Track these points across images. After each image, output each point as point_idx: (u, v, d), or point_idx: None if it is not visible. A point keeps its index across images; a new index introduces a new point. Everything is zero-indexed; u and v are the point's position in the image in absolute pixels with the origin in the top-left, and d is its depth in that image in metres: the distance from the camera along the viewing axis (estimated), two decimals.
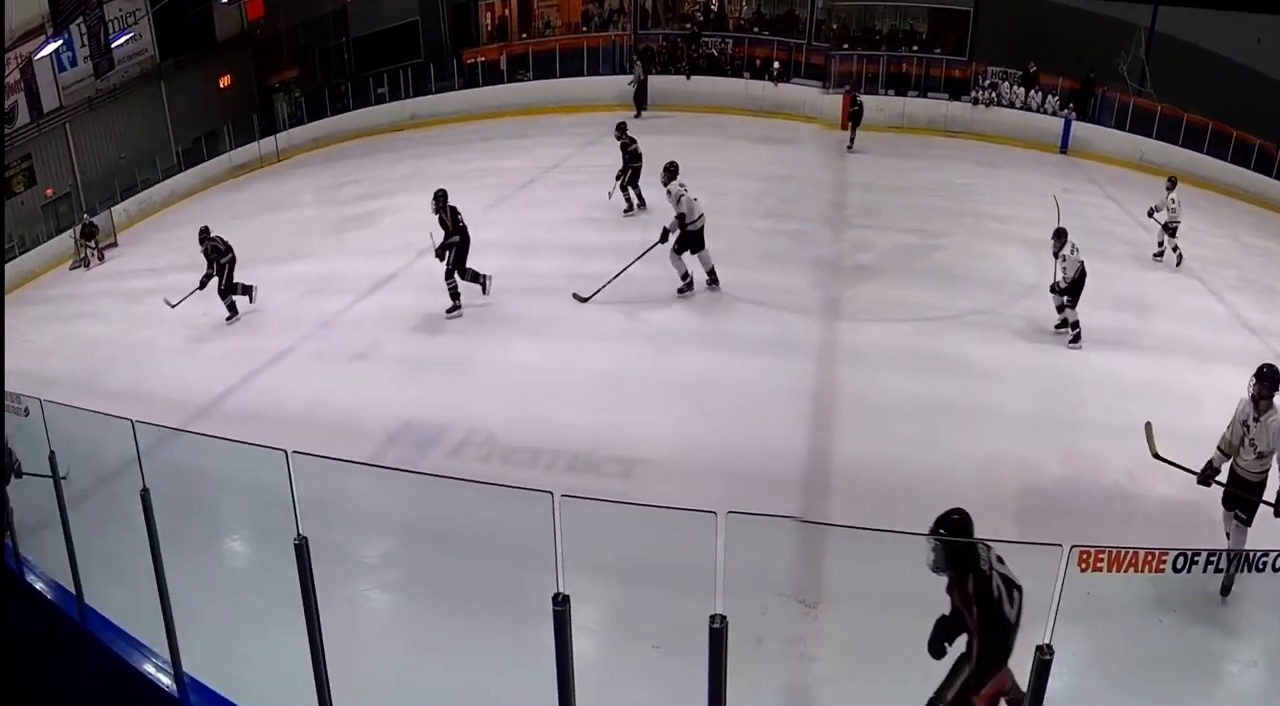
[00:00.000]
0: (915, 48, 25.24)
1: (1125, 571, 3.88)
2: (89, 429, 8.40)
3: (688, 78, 26.93)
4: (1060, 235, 11.86)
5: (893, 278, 13.87)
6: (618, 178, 17.29)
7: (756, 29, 27.82)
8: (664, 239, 13.24)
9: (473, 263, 13.88)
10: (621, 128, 18.01)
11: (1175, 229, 15.55)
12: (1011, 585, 4.71)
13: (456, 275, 13.70)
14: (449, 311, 13.75)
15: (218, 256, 15.53)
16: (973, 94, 24.68)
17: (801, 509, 8.33)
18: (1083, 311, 12.03)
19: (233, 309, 15.65)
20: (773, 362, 11.23)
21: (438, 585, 7.45)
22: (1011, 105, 24.59)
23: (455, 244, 13.59)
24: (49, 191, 28.77)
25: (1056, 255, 11.86)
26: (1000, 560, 4.79)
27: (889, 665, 5.86)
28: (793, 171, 19.93)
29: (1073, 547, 3.64)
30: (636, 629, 6.76)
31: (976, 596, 4.71)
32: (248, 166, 30.48)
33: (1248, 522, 7.42)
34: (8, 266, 25.58)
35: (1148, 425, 7.72)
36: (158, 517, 6.09)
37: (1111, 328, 12.48)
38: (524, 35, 31.58)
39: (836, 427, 9.85)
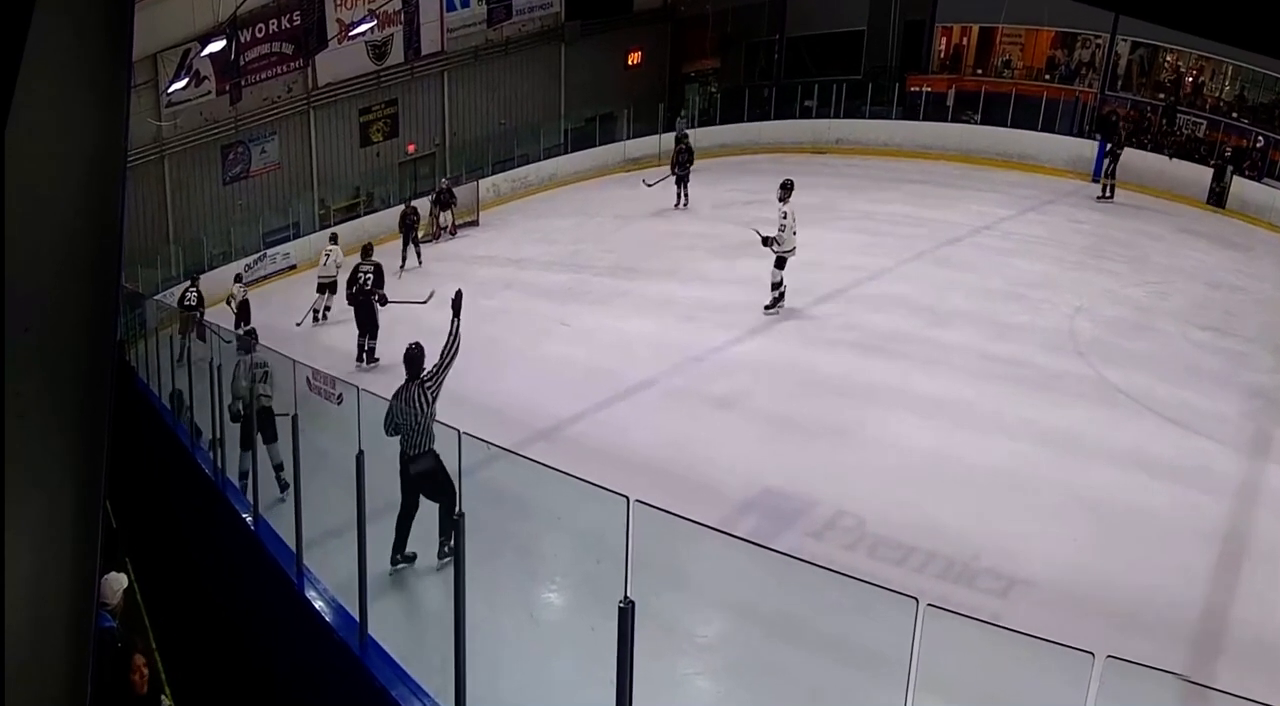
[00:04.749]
0: None
1: None
2: None
3: (1170, 157, 25.93)
4: None
5: None
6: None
7: (1235, 114, 26.71)
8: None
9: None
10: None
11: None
12: None
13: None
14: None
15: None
16: None
17: (1185, 665, 8.14)
18: None
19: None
20: (1184, 494, 11.10)
21: (772, 683, 7.43)
22: None
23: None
24: (410, 147, 30.52)
25: None
26: None
27: None
28: (1245, 284, 19.39)
29: None
30: None
31: None
32: (643, 162, 31.23)
33: None
34: (350, 226, 27.62)
35: None
36: (468, 547, 6.34)
37: None
38: (978, 71, 31.60)
39: (1241, 581, 9.66)
